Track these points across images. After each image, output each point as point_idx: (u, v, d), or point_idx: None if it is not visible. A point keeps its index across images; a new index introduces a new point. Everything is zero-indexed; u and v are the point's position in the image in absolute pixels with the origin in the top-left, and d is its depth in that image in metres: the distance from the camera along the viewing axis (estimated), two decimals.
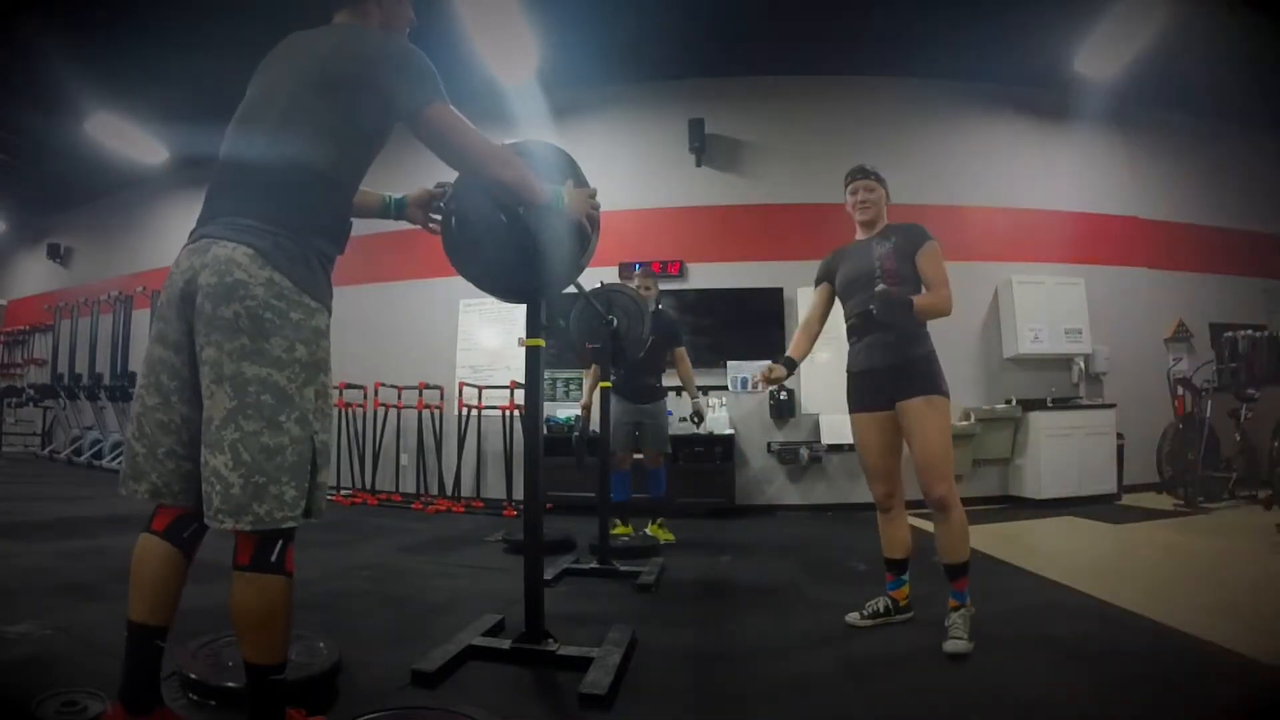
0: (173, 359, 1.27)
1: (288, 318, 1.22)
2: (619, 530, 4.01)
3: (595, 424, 3.69)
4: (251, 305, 1.19)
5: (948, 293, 2.23)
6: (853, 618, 2.32)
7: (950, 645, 1.98)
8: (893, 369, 2.24)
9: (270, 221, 1.24)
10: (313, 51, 1.33)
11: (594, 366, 4.06)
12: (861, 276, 2.31)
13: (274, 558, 1.20)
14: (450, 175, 1.72)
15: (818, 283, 2.53)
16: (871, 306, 2.14)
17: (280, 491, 1.18)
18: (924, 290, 2.26)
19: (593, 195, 1.80)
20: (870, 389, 2.29)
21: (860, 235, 2.43)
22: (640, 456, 4.13)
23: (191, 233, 1.30)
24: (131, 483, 1.28)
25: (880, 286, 2.14)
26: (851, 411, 2.37)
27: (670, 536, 4.05)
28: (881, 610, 2.31)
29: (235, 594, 1.20)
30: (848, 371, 2.38)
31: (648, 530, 4.08)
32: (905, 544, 2.34)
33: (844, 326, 2.39)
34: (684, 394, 4.36)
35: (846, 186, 2.43)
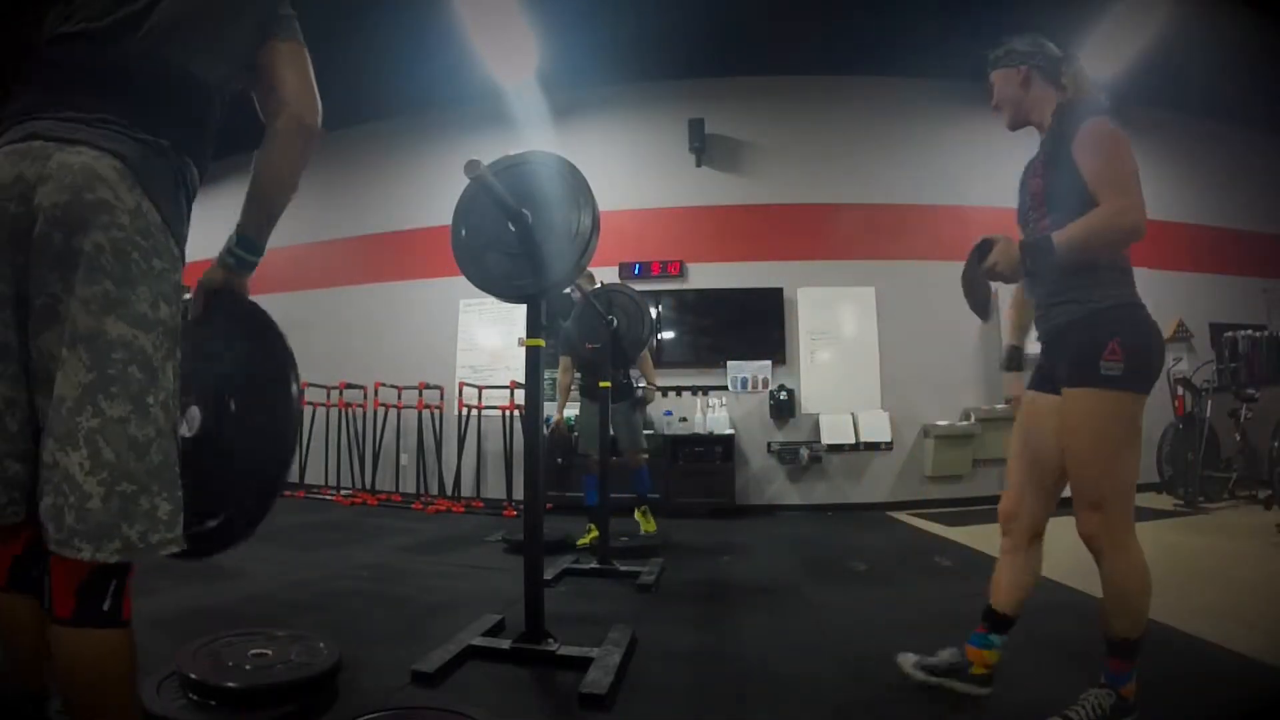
0: None
1: (152, 264, 0.90)
2: (589, 538, 3.71)
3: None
4: (119, 238, 0.87)
5: (1124, 202, 1.38)
6: (907, 662, 1.74)
7: None
8: (1056, 335, 1.55)
9: (134, 122, 0.91)
10: None
11: (563, 364, 3.99)
12: (1020, 208, 1.69)
13: (106, 605, 0.86)
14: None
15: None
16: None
17: (153, 505, 0.87)
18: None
19: None
20: (1042, 361, 1.65)
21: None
22: (617, 459, 4.01)
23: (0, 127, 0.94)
24: None
25: (1042, 228, 1.55)
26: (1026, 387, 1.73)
27: (652, 527, 4.01)
28: (944, 669, 1.70)
29: (57, 654, 0.87)
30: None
31: (635, 518, 4.05)
32: (1020, 594, 1.69)
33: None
34: (676, 394, 4.33)
35: None
